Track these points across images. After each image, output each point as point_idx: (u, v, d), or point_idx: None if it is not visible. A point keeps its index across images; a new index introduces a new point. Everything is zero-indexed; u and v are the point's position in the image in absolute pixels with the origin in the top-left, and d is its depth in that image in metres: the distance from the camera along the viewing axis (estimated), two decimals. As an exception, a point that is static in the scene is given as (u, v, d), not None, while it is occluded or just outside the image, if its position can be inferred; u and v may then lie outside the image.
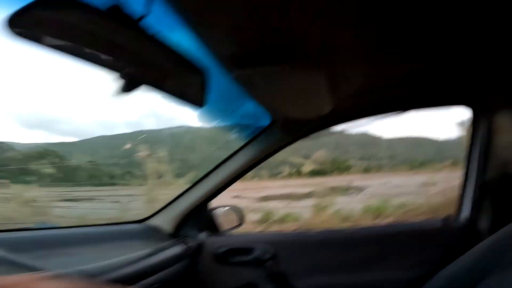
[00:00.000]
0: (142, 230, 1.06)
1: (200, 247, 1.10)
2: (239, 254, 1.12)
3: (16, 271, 0.58)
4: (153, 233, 1.07)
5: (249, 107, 0.96)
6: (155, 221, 1.11)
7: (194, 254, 1.09)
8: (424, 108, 1.09)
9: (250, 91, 0.77)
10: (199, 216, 1.14)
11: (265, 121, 1.07)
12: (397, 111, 1.10)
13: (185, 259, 1.04)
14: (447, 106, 1.08)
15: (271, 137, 1.09)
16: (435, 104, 1.09)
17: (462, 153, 1.18)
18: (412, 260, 1.08)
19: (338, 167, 5.30)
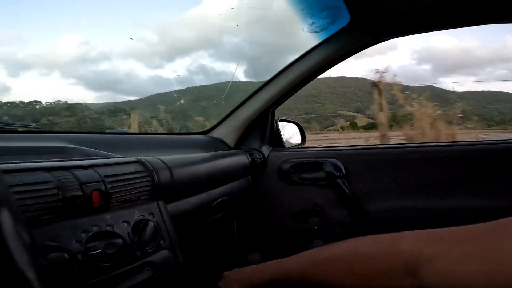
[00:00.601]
0: (206, 141, 1.05)
1: (264, 161, 1.05)
2: (306, 170, 1.04)
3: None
4: (216, 144, 1.05)
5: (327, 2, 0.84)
6: (218, 133, 1.08)
7: (258, 168, 1.04)
8: None
9: None
10: (262, 128, 1.08)
11: (342, 20, 0.91)
12: (499, 22, 0.89)
13: (250, 174, 1.01)
14: None
15: (347, 38, 0.94)
16: None
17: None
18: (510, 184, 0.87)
19: (397, 121, 4.81)
